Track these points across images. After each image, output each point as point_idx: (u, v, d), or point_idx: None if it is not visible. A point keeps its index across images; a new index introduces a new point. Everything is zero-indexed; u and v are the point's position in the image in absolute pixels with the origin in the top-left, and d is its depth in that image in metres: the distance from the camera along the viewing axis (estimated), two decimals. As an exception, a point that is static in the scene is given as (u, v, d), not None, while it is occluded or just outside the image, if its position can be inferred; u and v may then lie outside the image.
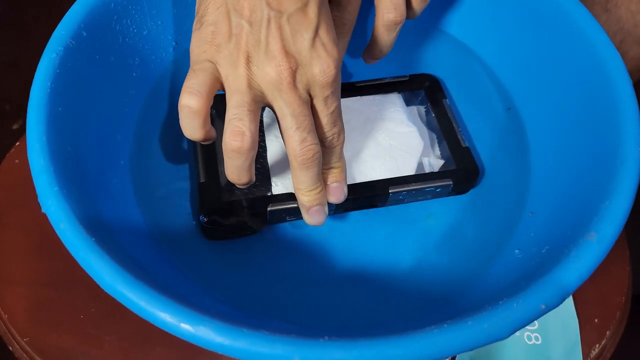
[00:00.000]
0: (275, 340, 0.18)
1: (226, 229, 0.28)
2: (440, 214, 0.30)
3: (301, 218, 0.28)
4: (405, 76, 0.34)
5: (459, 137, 0.31)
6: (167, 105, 0.33)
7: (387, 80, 0.34)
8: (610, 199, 0.22)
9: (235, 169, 0.24)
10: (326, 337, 0.19)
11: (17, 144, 0.38)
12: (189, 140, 0.32)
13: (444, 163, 0.31)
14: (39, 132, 0.23)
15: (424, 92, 0.34)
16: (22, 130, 0.40)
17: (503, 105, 0.34)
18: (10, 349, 0.31)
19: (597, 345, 0.32)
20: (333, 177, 0.27)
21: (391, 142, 0.31)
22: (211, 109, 0.29)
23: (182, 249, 0.28)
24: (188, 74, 0.24)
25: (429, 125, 0.33)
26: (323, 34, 0.24)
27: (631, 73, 0.37)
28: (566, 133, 0.29)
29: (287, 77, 0.23)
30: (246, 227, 0.28)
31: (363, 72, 0.35)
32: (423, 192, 0.29)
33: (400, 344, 0.18)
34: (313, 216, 0.26)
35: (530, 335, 0.32)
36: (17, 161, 0.37)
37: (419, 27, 0.36)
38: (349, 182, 0.29)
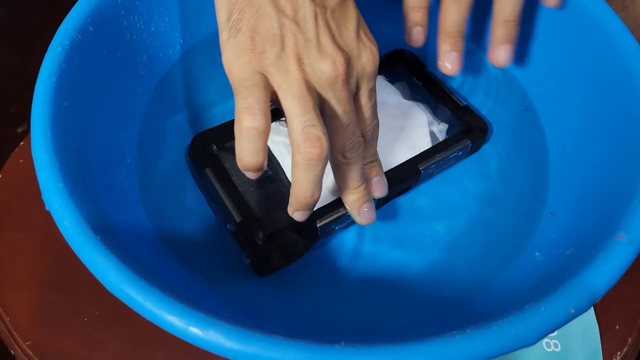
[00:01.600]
0: (288, 346, 0.17)
1: (280, 259, 0.27)
2: (453, 215, 0.29)
3: (349, 224, 0.28)
4: (381, 57, 0.33)
5: (454, 98, 0.32)
6: (174, 105, 0.33)
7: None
8: (641, 198, 0.21)
9: (311, 182, 0.22)
10: (342, 343, 0.18)
11: (21, 143, 0.38)
12: (202, 180, 0.29)
13: (449, 127, 0.32)
14: (43, 126, 0.22)
15: (403, 67, 0.34)
16: (27, 132, 0.40)
17: (519, 103, 0.33)
18: (12, 352, 0.30)
19: (619, 353, 0.31)
20: (374, 171, 0.26)
21: (398, 121, 0.31)
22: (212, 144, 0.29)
23: (188, 250, 0.27)
24: (240, 91, 0.22)
25: (418, 97, 0.33)
26: (362, 24, 0.24)
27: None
28: (586, 129, 0.28)
29: (343, 73, 0.22)
30: (297, 251, 0.27)
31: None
32: (448, 160, 0.30)
33: (421, 351, 0.17)
34: (365, 215, 0.26)
35: (549, 342, 0.30)
36: (21, 161, 0.37)
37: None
38: None
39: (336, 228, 0.28)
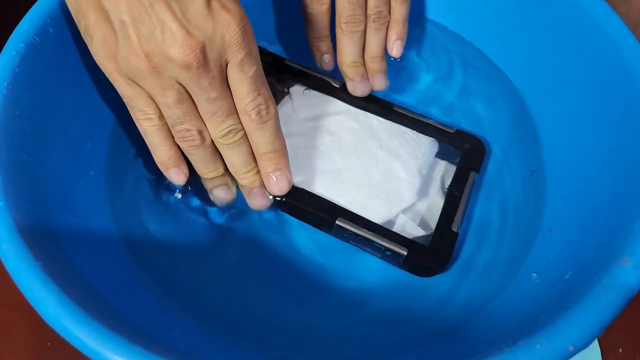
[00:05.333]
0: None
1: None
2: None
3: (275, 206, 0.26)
4: (451, 128, 0.29)
5: (456, 218, 0.26)
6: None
7: (428, 121, 0.29)
8: (647, 218, 0.19)
9: (195, 162, 0.24)
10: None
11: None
12: None
13: (421, 236, 0.26)
14: (-14, 137, 0.20)
15: (461, 154, 0.29)
16: None
17: (512, 111, 0.31)
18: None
19: (622, 378, 0.29)
20: (271, 164, 0.24)
21: (381, 179, 0.27)
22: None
23: (159, 267, 0.25)
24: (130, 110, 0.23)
25: (444, 189, 0.28)
26: None
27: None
28: (586, 138, 0.26)
29: (195, 58, 0.20)
30: None
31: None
32: (371, 245, 0.25)
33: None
34: (254, 199, 0.25)
35: (547, 367, 0.28)
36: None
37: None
38: (309, 188, 0.26)
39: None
